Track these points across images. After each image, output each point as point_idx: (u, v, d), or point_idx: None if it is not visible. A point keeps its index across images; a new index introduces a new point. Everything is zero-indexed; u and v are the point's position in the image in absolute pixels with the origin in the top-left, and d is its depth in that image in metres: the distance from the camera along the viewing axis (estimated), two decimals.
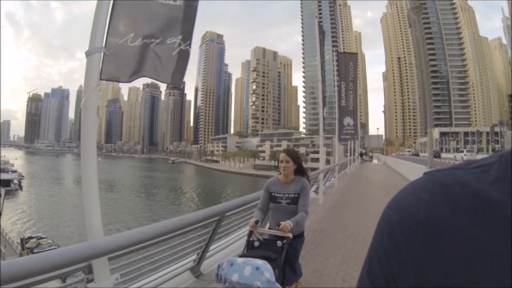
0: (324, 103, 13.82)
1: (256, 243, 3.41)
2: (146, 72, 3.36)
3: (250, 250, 3.40)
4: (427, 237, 0.49)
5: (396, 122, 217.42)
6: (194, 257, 4.87)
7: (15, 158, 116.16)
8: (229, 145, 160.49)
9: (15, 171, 74.50)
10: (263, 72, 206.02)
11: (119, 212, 48.90)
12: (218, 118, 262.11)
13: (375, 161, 59.71)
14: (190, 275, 4.78)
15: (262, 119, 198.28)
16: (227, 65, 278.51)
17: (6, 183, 58.45)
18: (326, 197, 12.57)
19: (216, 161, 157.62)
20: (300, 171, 3.90)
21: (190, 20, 3.85)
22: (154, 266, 4.13)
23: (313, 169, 13.77)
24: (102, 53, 3.02)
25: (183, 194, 77.65)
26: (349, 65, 20.62)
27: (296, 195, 3.72)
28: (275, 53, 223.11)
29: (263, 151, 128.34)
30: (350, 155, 34.81)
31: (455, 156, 58.66)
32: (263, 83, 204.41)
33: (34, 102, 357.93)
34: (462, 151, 62.26)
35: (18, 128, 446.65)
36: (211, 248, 4.98)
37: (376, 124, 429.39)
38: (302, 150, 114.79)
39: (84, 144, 3.00)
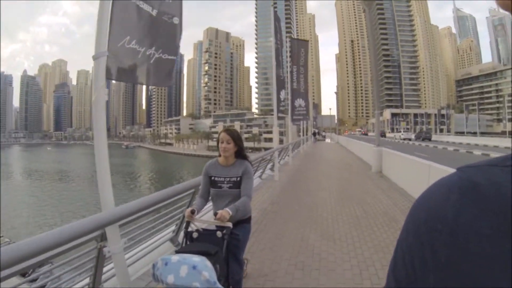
0: (281, 86, 14.63)
1: (195, 234, 3.19)
2: (139, 78, 4.11)
3: (189, 243, 3.19)
4: (452, 239, 0.45)
5: (349, 103, 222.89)
6: (173, 228, 5.22)
7: None
8: (182, 127, 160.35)
9: None
10: (216, 53, 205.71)
11: (72, 202, 48.80)
12: (171, 100, 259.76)
13: (328, 140, 61.58)
14: (170, 245, 5.07)
15: (215, 100, 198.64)
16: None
17: None
18: (281, 174, 13.33)
19: (170, 144, 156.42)
20: (241, 154, 3.66)
21: (173, 35, 4.57)
22: (140, 238, 4.41)
23: (266, 149, 15.21)
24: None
25: (138, 179, 77.37)
26: (300, 51, 21.40)
27: (238, 179, 3.50)
28: (228, 33, 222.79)
29: (216, 132, 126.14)
30: (303, 135, 35.96)
31: (394, 136, 69.87)
32: (216, 64, 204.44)
33: None
34: (400, 131, 74.46)
35: None
36: None
37: (329, 104, 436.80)
38: (255, 130, 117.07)
39: (97, 134, 3.80)
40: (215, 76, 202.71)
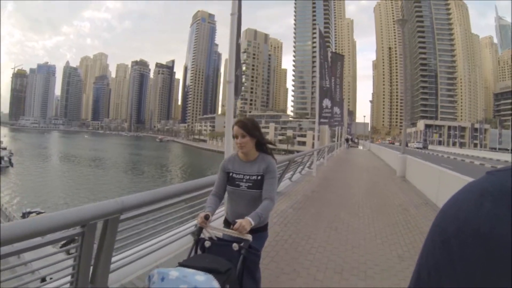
0: (324, 95, 16.65)
1: (207, 243, 2.64)
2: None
3: (197, 254, 2.68)
4: (489, 255, 0.35)
5: (384, 111, 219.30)
6: (195, 222, 5.23)
7: (4, 135, 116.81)
8: (217, 125, 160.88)
9: (5, 149, 76.92)
10: (254, 54, 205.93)
11: (105, 187, 54.14)
12: (207, 98, 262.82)
13: (360, 147, 62.63)
14: (191, 238, 5.09)
15: (251, 100, 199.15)
16: (217, 45, 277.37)
17: None
18: (318, 172, 15.03)
19: (204, 141, 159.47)
20: (262, 146, 3.19)
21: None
22: (161, 228, 4.40)
23: (298, 152, 15.88)
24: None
25: (170, 172, 79.91)
26: (337, 64, 23.23)
27: (259, 177, 3.04)
28: (266, 35, 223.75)
29: None
30: (337, 140, 37.44)
31: (410, 146, 76.76)
32: (253, 65, 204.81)
33: (19, 78, 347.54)
34: (414, 143, 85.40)
35: (2, 104, 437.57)
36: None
37: (364, 110, 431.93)
38: (289, 133, 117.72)
39: (227, 134, 5.12)
40: (252, 77, 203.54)
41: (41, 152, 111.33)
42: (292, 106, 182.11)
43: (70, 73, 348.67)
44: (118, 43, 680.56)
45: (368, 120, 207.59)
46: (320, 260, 5.02)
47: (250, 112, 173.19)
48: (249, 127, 2.99)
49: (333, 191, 11.27)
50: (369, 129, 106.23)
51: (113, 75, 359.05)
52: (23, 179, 58.52)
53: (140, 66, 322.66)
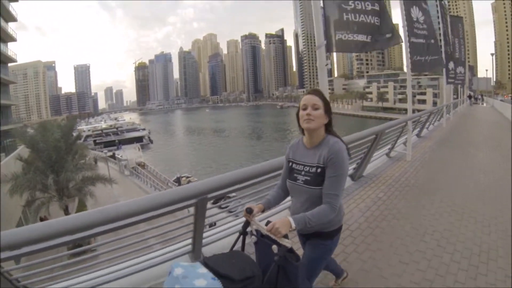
0: (449, 59, 18.32)
1: (254, 239, 2.20)
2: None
3: (232, 251, 2.24)
4: None
5: (510, 62, 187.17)
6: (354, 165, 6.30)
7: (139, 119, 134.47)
8: (336, 88, 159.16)
9: (144, 129, 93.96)
10: None
11: (228, 154, 62.56)
12: None
13: (484, 104, 60.40)
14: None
15: (366, 60, 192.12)
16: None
17: (139, 139, 76.03)
18: (431, 135, 13.94)
19: None
20: (331, 130, 2.34)
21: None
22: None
23: (419, 111, 13.74)
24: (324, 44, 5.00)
25: (291, 133, 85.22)
26: (458, 26, 24.32)
27: (319, 170, 2.21)
28: None
29: (370, 93, 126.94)
30: (459, 97, 37.47)
31: None
32: None
33: (141, 69, 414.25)
34: None
35: (129, 95, 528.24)
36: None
37: (485, 63, 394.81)
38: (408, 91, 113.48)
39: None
40: None
41: (170, 128, 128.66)
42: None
43: (185, 56, 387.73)
44: (223, 21, 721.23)
45: (490, 74, 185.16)
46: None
47: (367, 72, 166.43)
48: (324, 98, 2.28)
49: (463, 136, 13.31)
50: (492, 84, 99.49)
51: (225, 51, 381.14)
52: (163, 152, 71.55)
53: (250, 39, 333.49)
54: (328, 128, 2.31)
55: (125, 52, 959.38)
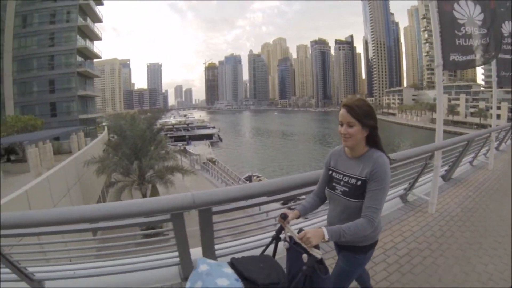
0: None
1: (286, 245, 2.19)
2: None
3: (262, 255, 2.26)
4: None
5: None
6: (406, 186, 5.98)
7: (208, 117, 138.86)
8: (405, 98, 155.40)
9: (214, 127, 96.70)
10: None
11: (296, 158, 63.61)
12: (391, 70, 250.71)
13: None
14: (400, 201, 5.88)
15: None
16: (393, 14, 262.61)
17: (209, 136, 79.15)
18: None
19: (393, 114, 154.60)
20: (374, 140, 2.29)
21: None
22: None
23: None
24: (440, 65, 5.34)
25: None
26: None
27: (359, 183, 2.21)
28: None
29: None
30: None
31: None
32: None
33: (211, 70, 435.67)
34: None
35: (197, 93, 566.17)
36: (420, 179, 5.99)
37: None
38: (481, 104, 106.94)
39: (438, 114, 5.53)
40: None
41: (238, 129, 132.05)
42: (483, 74, 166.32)
43: (254, 59, 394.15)
44: (291, 26, 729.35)
45: None
46: None
47: None
48: (359, 114, 2.17)
49: None
50: None
51: (294, 56, 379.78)
52: (231, 150, 73.94)
53: (320, 44, 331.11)
54: (370, 139, 2.28)
55: (194, 52, 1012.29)
